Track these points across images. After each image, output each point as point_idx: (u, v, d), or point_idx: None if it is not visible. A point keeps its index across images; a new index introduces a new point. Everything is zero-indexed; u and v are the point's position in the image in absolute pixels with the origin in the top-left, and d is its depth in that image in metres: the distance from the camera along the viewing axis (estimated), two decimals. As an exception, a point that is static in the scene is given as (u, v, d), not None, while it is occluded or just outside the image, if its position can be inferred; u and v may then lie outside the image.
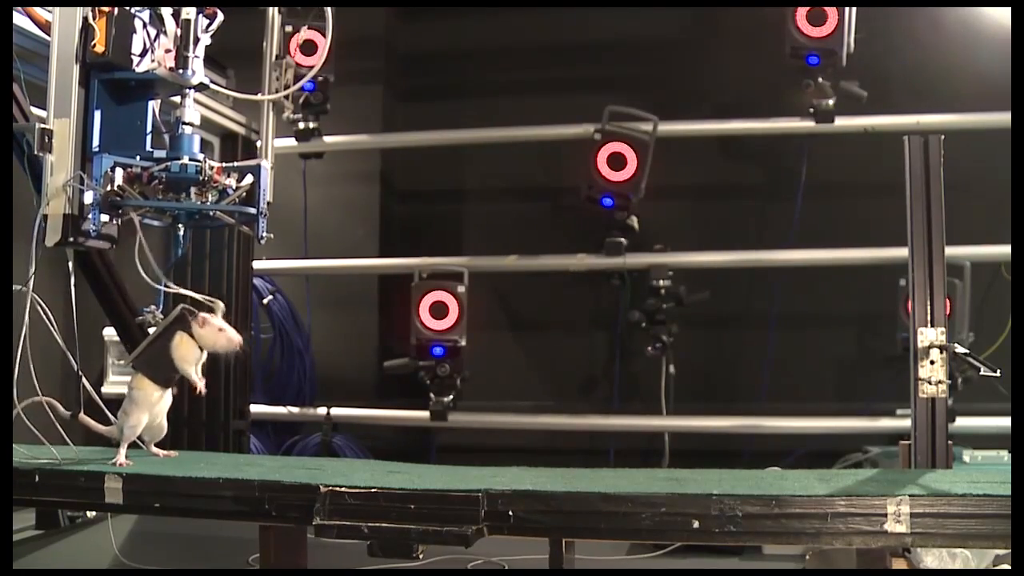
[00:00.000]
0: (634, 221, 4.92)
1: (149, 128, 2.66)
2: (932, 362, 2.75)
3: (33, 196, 2.58)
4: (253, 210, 2.61)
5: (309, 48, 4.79)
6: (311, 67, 3.81)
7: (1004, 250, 4.32)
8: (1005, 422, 3.91)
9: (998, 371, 2.36)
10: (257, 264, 5.08)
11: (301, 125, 5.17)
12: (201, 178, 2.51)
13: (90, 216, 2.47)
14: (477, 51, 5.85)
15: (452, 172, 5.85)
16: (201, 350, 2.55)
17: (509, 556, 3.76)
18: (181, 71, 2.59)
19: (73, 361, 2.58)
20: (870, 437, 4.74)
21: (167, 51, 2.61)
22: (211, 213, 2.59)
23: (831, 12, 4.55)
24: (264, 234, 2.65)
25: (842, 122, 4.73)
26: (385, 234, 5.89)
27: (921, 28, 5.17)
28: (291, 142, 5.20)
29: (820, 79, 4.65)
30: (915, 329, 2.79)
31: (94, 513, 4.11)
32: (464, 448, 5.09)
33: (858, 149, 4.93)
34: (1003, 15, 4.86)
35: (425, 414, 5.02)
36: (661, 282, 4.87)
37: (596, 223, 5.00)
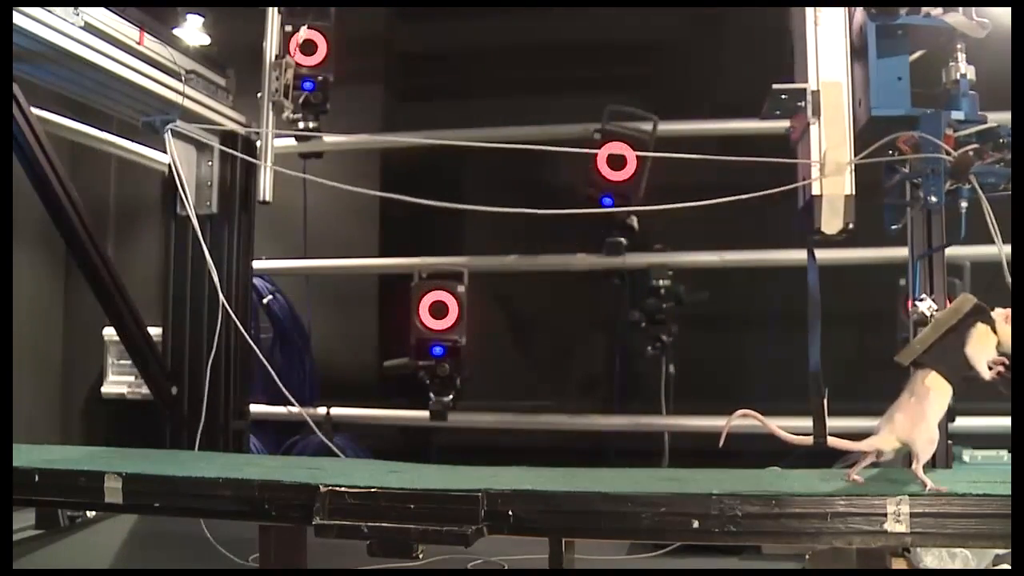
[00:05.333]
0: (634, 221, 4.91)
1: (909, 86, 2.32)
2: (932, 362, 2.74)
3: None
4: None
5: (309, 48, 4.78)
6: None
7: (1004, 250, 4.31)
8: (1005, 422, 3.87)
9: (998, 371, 2.36)
10: (257, 264, 5.07)
11: (301, 125, 5.16)
12: None
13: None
14: (477, 51, 5.85)
15: (452, 172, 5.84)
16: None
17: (509, 556, 3.76)
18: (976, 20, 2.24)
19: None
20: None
21: None
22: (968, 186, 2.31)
23: (831, 12, 4.54)
24: None
25: (842, 122, 4.71)
26: (385, 234, 5.88)
27: (921, 28, 5.16)
28: (291, 142, 5.19)
29: (821, 79, 4.63)
30: (915, 329, 2.79)
31: (94, 513, 4.11)
32: (464, 448, 5.08)
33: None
34: (1003, 15, 4.85)
35: (425, 414, 5.01)
36: (661, 282, 4.87)
37: (596, 223, 4.99)
